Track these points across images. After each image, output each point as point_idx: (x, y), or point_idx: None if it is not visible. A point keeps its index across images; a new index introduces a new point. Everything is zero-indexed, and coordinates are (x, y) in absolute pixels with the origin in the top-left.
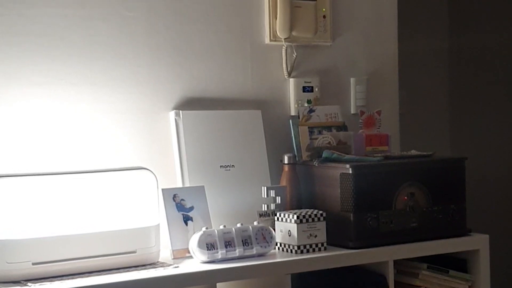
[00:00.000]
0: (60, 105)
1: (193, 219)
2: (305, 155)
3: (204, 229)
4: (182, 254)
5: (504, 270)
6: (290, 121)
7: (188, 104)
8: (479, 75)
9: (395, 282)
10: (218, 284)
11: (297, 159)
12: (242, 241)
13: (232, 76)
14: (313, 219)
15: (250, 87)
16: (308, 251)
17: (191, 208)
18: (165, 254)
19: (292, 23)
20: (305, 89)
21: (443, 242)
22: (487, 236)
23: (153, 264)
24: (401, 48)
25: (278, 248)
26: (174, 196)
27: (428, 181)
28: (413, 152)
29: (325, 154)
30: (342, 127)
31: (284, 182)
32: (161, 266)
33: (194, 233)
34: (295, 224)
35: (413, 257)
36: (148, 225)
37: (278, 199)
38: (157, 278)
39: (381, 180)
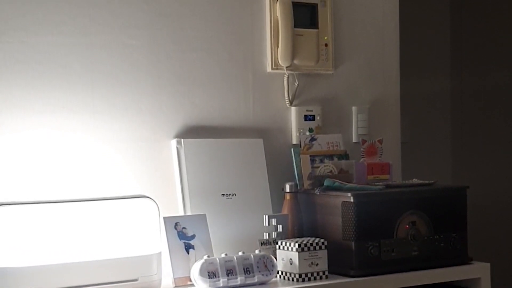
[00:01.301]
0: (62, 133)
1: (195, 247)
2: (306, 184)
3: (205, 257)
4: (183, 282)
5: None
6: (292, 149)
7: (189, 132)
8: (480, 107)
9: None
10: None
11: (298, 187)
12: (244, 269)
13: (234, 105)
14: (314, 248)
15: (251, 116)
16: (309, 279)
17: (193, 236)
18: (166, 282)
19: (294, 52)
20: (306, 118)
21: (445, 270)
22: (488, 264)
23: None
24: (403, 84)
25: (280, 277)
26: (176, 224)
27: (430, 210)
28: (415, 180)
29: (326, 182)
30: (344, 156)
31: (285, 210)
32: None
33: (195, 261)
34: (297, 253)
35: (415, 285)
36: (150, 253)
37: (280, 228)
38: None
39: (382, 209)
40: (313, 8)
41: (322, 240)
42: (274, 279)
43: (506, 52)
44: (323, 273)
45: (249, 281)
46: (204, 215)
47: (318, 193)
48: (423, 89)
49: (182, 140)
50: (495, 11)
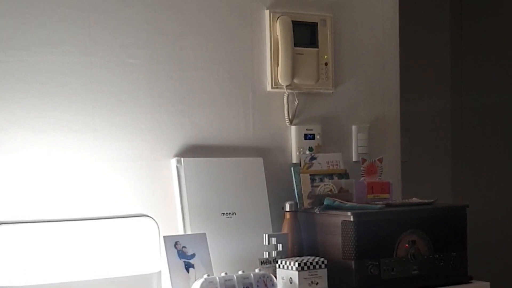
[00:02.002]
0: (62, 152)
1: (195, 266)
2: (306, 203)
3: (205, 276)
4: None
5: None
6: (292, 168)
7: (189, 151)
8: (480, 126)
9: None
10: None
11: (298, 206)
12: None
13: (234, 124)
14: (314, 267)
15: (251, 135)
16: None
17: (193, 256)
18: None
19: (294, 71)
20: (306, 137)
21: None
22: (488, 283)
23: None
24: (403, 103)
25: None
26: (176, 243)
27: (430, 229)
28: (415, 199)
29: (326, 201)
30: (344, 175)
31: (285, 229)
32: None
33: (195, 280)
34: (297, 272)
35: None
36: (150, 272)
37: (280, 247)
38: None
39: (382, 228)
40: (313, 27)
41: (322, 259)
42: None
43: (506, 71)
44: None
45: None
46: (204, 234)
47: (318, 212)
48: (423, 108)
49: (182, 159)
50: (495, 30)
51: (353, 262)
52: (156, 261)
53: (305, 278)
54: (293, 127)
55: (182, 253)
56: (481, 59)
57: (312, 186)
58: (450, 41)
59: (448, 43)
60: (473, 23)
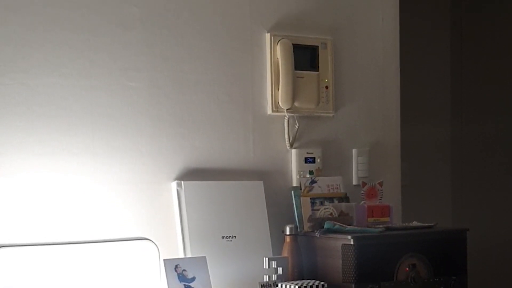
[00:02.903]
0: (62, 175)
1: None
2: (307, 226)
3: None
4: None
5: None
6: (292, 192)
7: (190, 174)
8: (481, 151)
9: None
10: None
11: (298, 230)
12: None
13: (234, 147)
14: None
15: (252, 158)
16: None
17: (193, 279)
18: None
19: (294, 94)
20: (307, 160)
21: None
22: None
23: None
24: (404, 128)
25: None
26: (176, 266)
27: (430, 252)
28: (415, 223)
29: (326, 225)
30: (344, 198)
31: (285, 253)
32: None
33: None
34: None
35: None
36: None
37: (280, 270)
38: None
39: (382, 251)
40: (314, 50)
41: (322, 283)
42: None
43: (507, 99)
44: None
45: None
46: (204, 257)
47: (318, 236)
48: (424, 132)
49: (182, 182)
50: (496, 57)
51: (353, 285)
52: (156, 284)
53: None
54: (293, 151)
55: (182, 276)
56: (482, 85)
57: (312, 210)
58: (450, 65)
59: (448, 68)
60: (474, 50)
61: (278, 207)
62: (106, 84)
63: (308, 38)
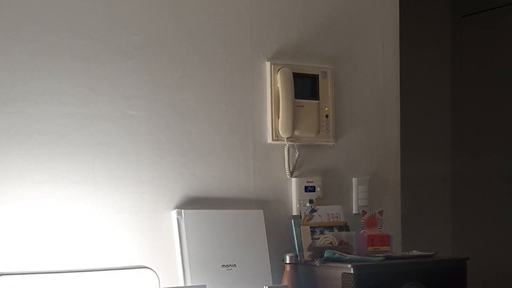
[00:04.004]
0: (62, 203)
1: None
2: (306, 255)
3: None
4: None
5: None
6: (292, 220)
7: (190, 203)
8: (480, 183)
9: None
10: None
11: (298, 258)
12: None
13: (234, 176)
14: None
15: (252, 187)
16: None
17: None
18: None
19: (294, 123)
20: (307, 189)
21: None
22: None
23: None
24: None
25: None
26: None
27: (430, 281)
28: (415, 252)
29: (326, 254)
30: (344, 227)
31: (285, 281)
32: None
33: None
34: None
35: None
36: None
37: None
38: None
39: (382, 280)
40: (314, 79)
41: None
42: None
43: (506, 136)
44: None
45: None
46: (204, 286)
47: (318, 265)
48: (424, 164)
49: (182, 210)
50: (496, 94)
51: None
52: None
53: None
54: (293, 179)
55: None
56: (482, 122)
57: (312, 238)
58: (451, 98)
59: (448, 101)
60: (474, 83)
61: (278, 236)
62: (106, 112)
63: (309, 66)
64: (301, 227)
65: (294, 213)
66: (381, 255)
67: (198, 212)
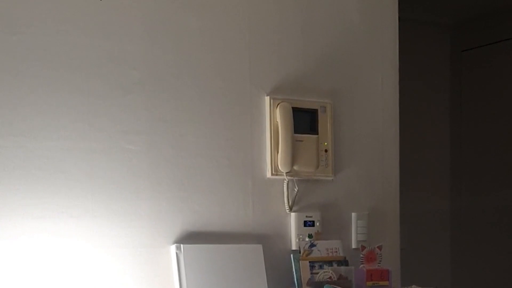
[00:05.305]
0: (61, 238)
1: None
2: None
3: None
4: None
5: None
6: (291, 255)
7: (189, 238)
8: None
9: None
10: None
11: None
12: None
13: (233, 210)
14: None
15: (251, 221)
16: None
17: None
18: None
19: (293, 157)
20: (306, 224)
21: None
22: None
23: None
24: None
25: None
26: None
27: None
28: (414, 287)
29: None
30: (343, 262)
31: None
32: None
33: None
34: None
35: None
36: None
37: None
38: None
39: None
40: (313, 113)
41: None
42: None
43: (505, 173)
44: None
45: None
46: None
47: None
48: (423, 199)
49: (181, 245)
50: (495, 130)
51: None
52: None
53: None
54: (292, 214)
55: None
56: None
57: (311, 273)
58: (449, 133)
59: (448, 136)
60: (473, 116)
61: (277, 271)
62: (105, 147)
63: (308, 101)
64: (300, 261)
65: (293, 247)
66: None
67: (197, 246)
